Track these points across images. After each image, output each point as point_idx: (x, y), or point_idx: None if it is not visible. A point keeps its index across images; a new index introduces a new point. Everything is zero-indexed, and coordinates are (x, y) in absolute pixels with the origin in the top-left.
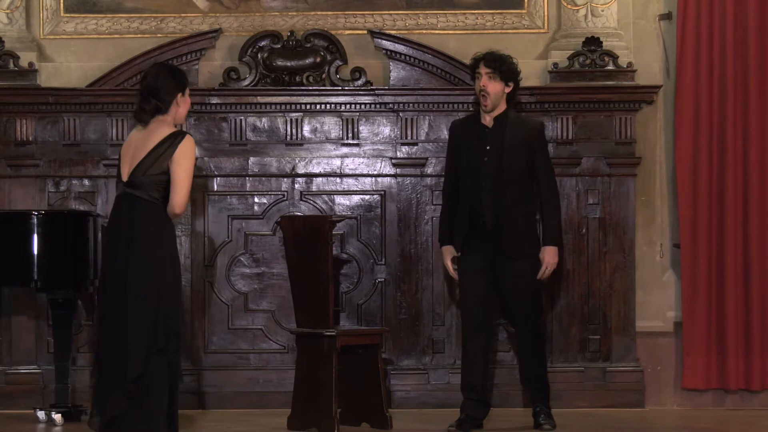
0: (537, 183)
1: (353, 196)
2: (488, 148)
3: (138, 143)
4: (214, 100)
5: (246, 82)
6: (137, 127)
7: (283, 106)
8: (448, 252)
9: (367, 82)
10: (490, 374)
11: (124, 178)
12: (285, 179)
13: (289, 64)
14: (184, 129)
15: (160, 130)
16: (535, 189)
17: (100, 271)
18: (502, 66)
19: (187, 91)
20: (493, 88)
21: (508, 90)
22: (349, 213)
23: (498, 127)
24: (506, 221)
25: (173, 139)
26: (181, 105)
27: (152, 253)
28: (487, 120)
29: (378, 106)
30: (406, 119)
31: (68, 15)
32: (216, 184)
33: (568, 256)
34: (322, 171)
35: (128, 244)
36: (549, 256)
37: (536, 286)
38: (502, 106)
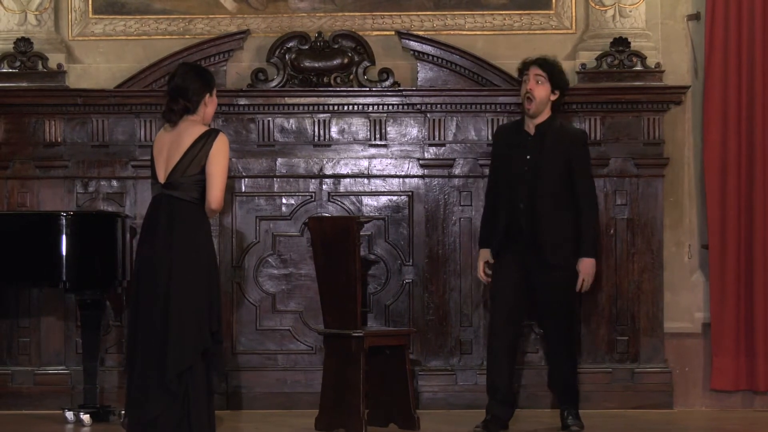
0: (575, 194)
1: (381, 197)
2: (528, 157)
3: (171, 144)
4: (242, 101)
5: (274, 83)
6: (165, 127)
7: (310, 107)
8: (484, 255)
9: (395, 83)
10: (518, 375)
11: (161, 179)
12: (313, 180)
13: (316, 65)
14: (216, 128)
15: (192, 129)
16: (573, 199)
17: (134, 272)
18: (554, 72)
19: (215, 91)
20: (540, 92)
21: (554, 98)
22: (376, 214)
23: (539, 136)
24: (543, 231)
25: (207, 138)
26: (209, 105)
27: (193, 253)
28: (530, 127)
29: (405, 107)
30: (434, 120)
31: (96, 16)
32: (244, 185)
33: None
34: (349, 172)
35: (168, 245)
36: (586, 268)
37: (573, 295)
38: (547, 113)
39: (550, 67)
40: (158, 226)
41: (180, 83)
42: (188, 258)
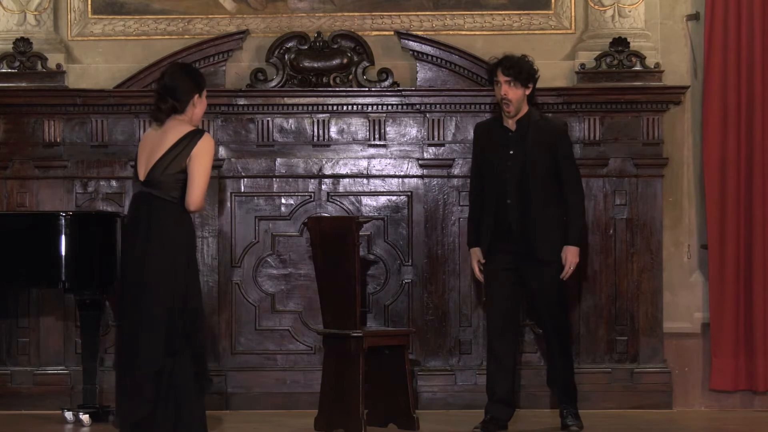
0: (562, 184)
1: (380, 197)
2: (511, 152)
3: (154, 142)
4: (241, 102)
5: (273, 84)
6: (153, 126)
7: (310, 107)
8: (476, 254)
9: (394, 83)
10: (517, 376)
11: (141, 177)
12: (312, 180)
13: (316, 65)
14: (202, 128)
15: (178, 128)
16: (561, 190)
17: (120, 272)
18: (521, 72)
19: (204, 93)
20: (514, 94)
21: (528, 92)
22: (375, 214)
23: (521, 131)
24: (533, 225)
25: (192, 137)
26: (198, 106)
27: (168, 253)
28: (510, 123)
29: (405, 107)
30: (433, 120)
31: (96, 16)
32: (243, 185)
33: (595, 257)
34: (348, 172)
35: (145, 244)
36: (571, 255)
37: (563, 287)
38: (524, 108)
39: (516, 70)
40: (138, 224)
41: (169, 82)
42: (161, 258)
